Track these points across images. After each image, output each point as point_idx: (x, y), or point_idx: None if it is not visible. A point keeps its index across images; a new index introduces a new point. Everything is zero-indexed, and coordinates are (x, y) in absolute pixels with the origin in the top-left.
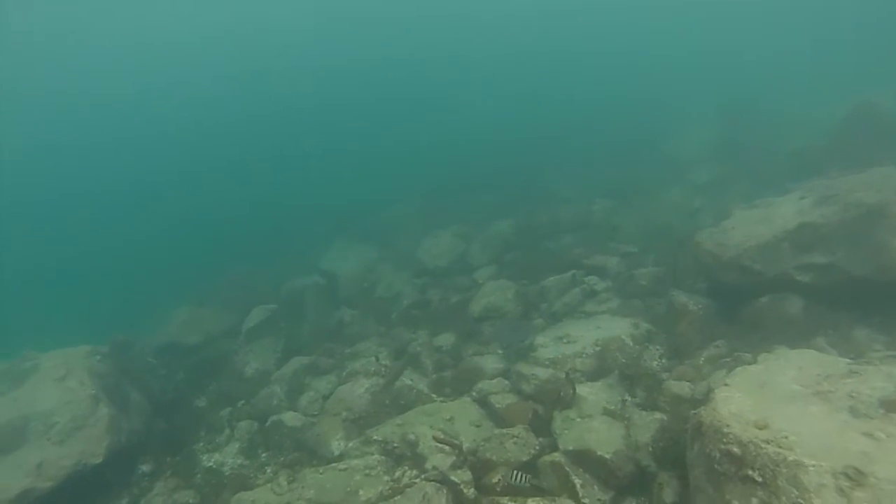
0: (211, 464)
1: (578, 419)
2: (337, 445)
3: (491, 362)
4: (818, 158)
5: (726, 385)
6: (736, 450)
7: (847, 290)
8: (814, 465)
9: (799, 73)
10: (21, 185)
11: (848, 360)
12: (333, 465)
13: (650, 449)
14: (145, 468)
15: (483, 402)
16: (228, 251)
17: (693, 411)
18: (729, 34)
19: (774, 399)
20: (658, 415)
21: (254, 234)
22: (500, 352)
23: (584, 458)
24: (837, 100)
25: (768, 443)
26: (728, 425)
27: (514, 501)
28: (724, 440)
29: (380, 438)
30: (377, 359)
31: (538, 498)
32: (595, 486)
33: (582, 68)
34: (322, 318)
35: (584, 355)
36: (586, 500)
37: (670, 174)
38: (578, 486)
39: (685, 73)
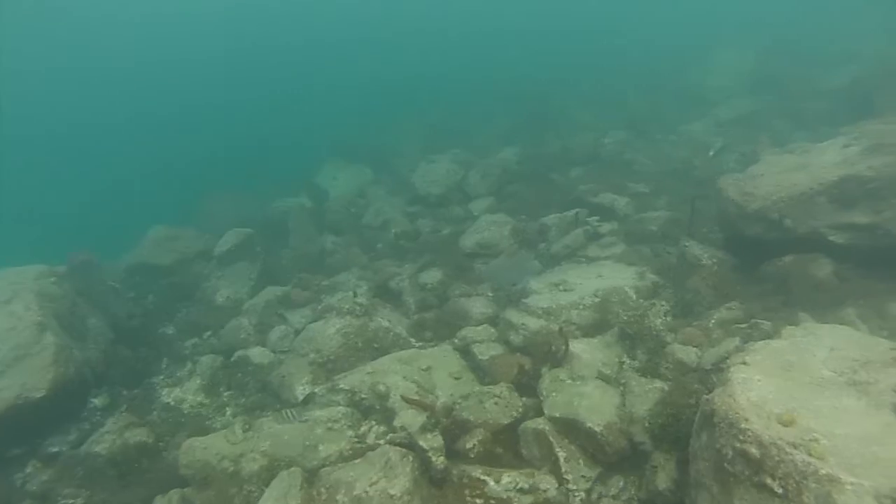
0: (170, 400)
1: (569, 381)
2: (302, 391)
3: (479, 306)
4: (867, 97)
5: (745, 364)
6: (754, 451)
7: (888, 257)
8: (852, 484)
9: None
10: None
11: (891, 344)
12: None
13: (647, 424)
14: (98, 402)
15: (466, 351)
16: (220, 175)
17: (706, 395)
18: None
19: (802, 386)
20: (659, 383)
21: (248, 159)
22: (490, 294)
23: (571, 428)
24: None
25: (795, 447)
26: (747, 419)
27: (489, 474)
28: (741, 437)
29: (347, 387)
30: (355, 294)
31: (515, 470)
32: (581, 461)
33: None
34: (304, 244)
35: (581, 307)
36: (569, 477)
37: (696, 107)
38: (562, 459)
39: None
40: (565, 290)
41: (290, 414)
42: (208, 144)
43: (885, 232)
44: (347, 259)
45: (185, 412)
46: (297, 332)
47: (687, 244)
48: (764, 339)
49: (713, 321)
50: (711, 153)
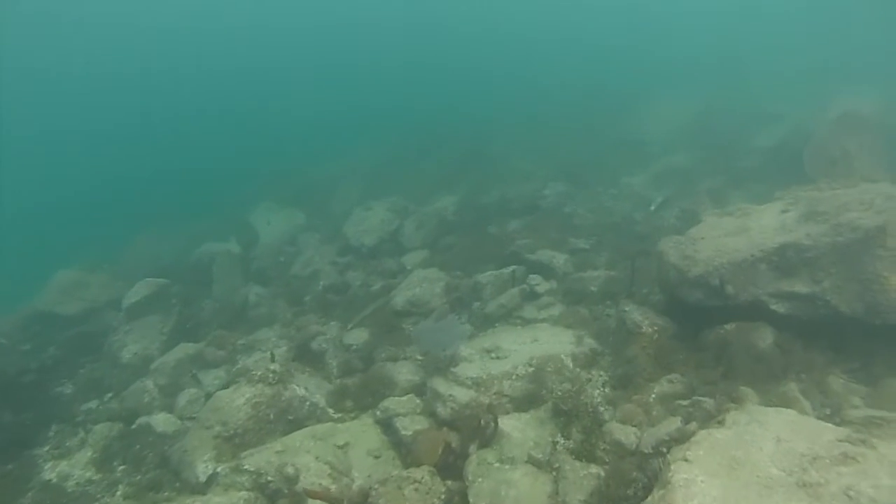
0: (52, 476)
1: (497, 465)
2: (204, 469)
3: (405, 372)
4: (795, 159)
5: (686, 461)
6: None
7: (828, 328)
8: None
9: (789, 71)
10: None
11: (837, 433)
12: (191, 500)
13: None
14: None
15: (388, 424)
16: (153, 207)
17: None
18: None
19: (749, 488)
20: (595, 468)
21: (177, 196)
22: (418, 358)
23: None
24: (827, 103)
25: None
26: None
27: None
28: None
29: (252, 468)
30: (272, 357)
31: None
32: None
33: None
34: (228, 294)
35: (514, 376)
36: None
37: (636, 158)
38: None
39: (669, 63)
40: (498, 358)
41: None
42: (147, 168)
43: (823, 302)
44: (271, 313)
45: (69, 491)
46: (209, 396)
47: (627, 308)
48: (706, 419)
49: (653, 396)
50: (652, 207)
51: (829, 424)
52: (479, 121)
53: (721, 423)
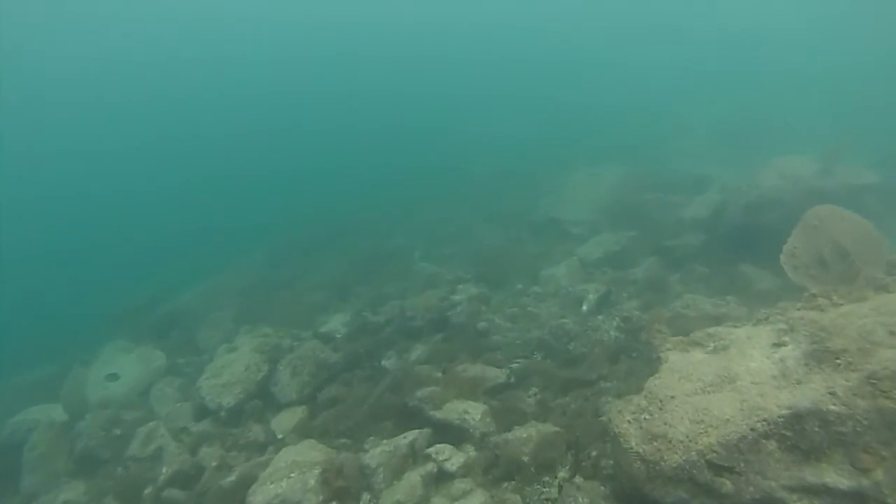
0: None
1: None
2: None
3: None
4: (741, 235)
5: None
6: None
7: None
8: None
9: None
10: None
11: None
12: None
13: None
14: None
15: None
16: None
17: None
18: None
19: None
20: None
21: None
22: None
23: None
24: (755, 162)
25: None
26: None
27: None
28: None
29: None
30: None
31: None
32: None
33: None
34: (41, 490)
35: None
36: None
37: (558, 245)
38: None
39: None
40: None
41: None
42: None
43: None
44: None
45: None
46: None
47: (572, 494)
48: None
49: None
50: (584, 308)
51: None
52: (375, 209)
53: None
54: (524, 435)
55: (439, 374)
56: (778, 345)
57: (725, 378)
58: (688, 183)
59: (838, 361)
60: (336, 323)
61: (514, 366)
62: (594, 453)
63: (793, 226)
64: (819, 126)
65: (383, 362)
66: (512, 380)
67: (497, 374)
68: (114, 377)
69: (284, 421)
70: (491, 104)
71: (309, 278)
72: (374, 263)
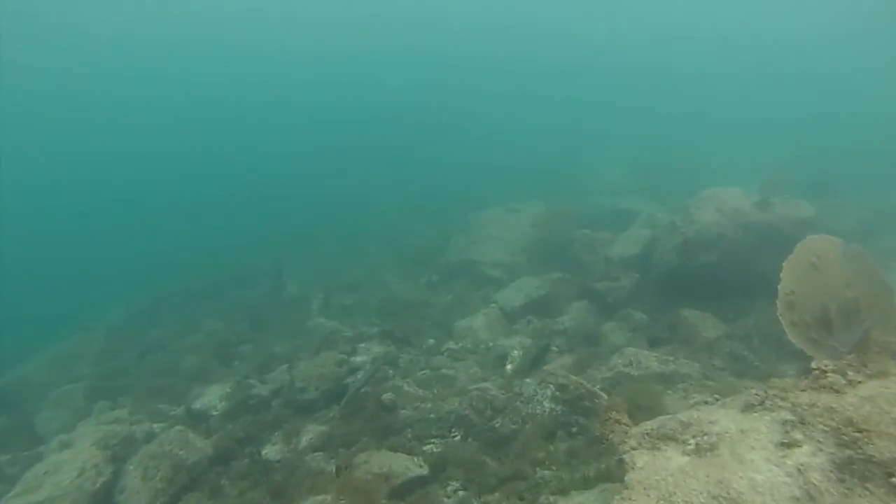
0: None
1: None
2: None
3: None
4: (670, 273)
5: None
6: None
7: None
8: None
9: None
10: None
11: None
12: None
13: None
14: None
15: None
16: None
17: None
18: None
19: None
20: None
21: None
22: None
23: None
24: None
25: None
26: None
27: None
28: None
29: None
30: None
31: None
32: None
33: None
34: None
35: None
36: None
37: (475, 291)
38: None
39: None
40: None
41: None
42: None
43: None
44: None
45: None
46: None
47: None
48: None
49: None
50: (509, 367)
51: None
52: (267, 250)
53: None
54: None
55: (333, 469)
56: (788, 445)
57: (725, 501)
58: (612, 217)
59: (877, 479)
60: (213, 396)
61: (428, 448)
62: None
63: (735, 265)
64: (735, 160)
65: (265, 451)
66: (427, 475)
67: (407, 465)
68: None
69: None
70: (400, 132)
71: (188, 337)
72: (265, 316)
